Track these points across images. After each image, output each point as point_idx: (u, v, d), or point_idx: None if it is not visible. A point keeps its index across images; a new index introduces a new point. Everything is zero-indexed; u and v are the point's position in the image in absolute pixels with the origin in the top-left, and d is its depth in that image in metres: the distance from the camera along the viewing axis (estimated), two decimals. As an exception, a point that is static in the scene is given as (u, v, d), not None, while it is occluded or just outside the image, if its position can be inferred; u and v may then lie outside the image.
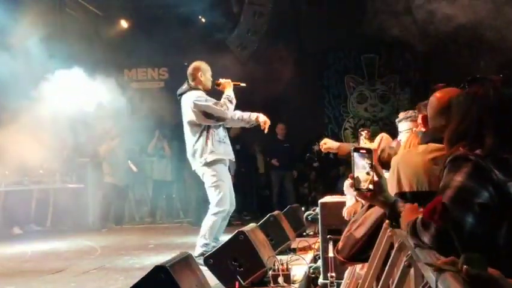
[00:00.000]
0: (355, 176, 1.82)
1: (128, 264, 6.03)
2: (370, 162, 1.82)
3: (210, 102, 5.38)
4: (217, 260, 4.36)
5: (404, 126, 3.95)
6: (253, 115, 5.65)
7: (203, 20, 11.56)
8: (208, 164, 5.36)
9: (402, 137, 3.92)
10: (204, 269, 4.02)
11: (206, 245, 5.31)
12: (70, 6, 10.93)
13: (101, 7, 11.31)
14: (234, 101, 5.49)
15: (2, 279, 5.37)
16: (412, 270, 1.99)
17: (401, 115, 4.07)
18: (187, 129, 5.51)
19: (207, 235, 5.33)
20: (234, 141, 11.05)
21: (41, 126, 7.94)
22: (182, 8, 11.37)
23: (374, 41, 11.38)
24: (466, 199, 1.65)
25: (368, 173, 1.81)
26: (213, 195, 5.40)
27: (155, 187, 10.95)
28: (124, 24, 11.55)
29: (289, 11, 11.64)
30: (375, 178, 1.80)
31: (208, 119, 5.37)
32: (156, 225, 10.20)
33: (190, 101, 5.40)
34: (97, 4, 11.24)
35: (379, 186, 1.80)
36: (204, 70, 5.59)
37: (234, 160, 5.70)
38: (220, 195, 5.35)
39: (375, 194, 1.80)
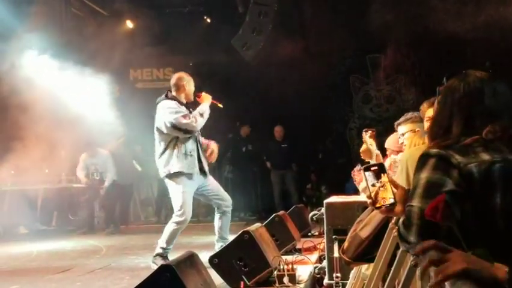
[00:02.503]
0: (372, 195, 1.80)
1: (133, 263, 6.04)
2: (383, 176, 1.79)
3: (179, 114, 5.33)
4: (222, 259, 4.35)
5: (403, 129, 3.86)
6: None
7: (208, 20, 11.56)
8: (171, 176, 5.37)
9: (404, 139, 3.85)
10: (210, 269, 4.02)
11: (163, 249, 5.35)
12: (75, 6, 10.97)
13: (107, 7, 11.33)
14: (206, 115, 5.45)
15: (7, 279, 5.39)
16: (418, 270, 1.98)
17: (401, 119, 3.98)
18: (156, 136, 5.50)
19: (167, 241, 5.35)
20: (245, 141, 11.15)
21: (47, 126, 7.97)
22: (187, 8, 11.40)
23: (379, 40, 11.34)
24: (435, 192, 1.66)
25: (383, 186, 1.78)
26: (175, 205, 5.42)
27: (160, 186, 10.94)
28: (129, 24, 11.57)
29: (294, 10, 11.62)
30: (394, 190, 1.77)
31: (175, 130, 5.35)
32: (161, 224, 10.15)
33: (162, 110, 5.40)
34: (103, 4, 11.26)
35: (401, 196, 1.77)
36: (187, 80, 5.57)
37: (199, 172, 5.47)
38: (181, 206, 5.34)
39: (398, 206, 1.77)
